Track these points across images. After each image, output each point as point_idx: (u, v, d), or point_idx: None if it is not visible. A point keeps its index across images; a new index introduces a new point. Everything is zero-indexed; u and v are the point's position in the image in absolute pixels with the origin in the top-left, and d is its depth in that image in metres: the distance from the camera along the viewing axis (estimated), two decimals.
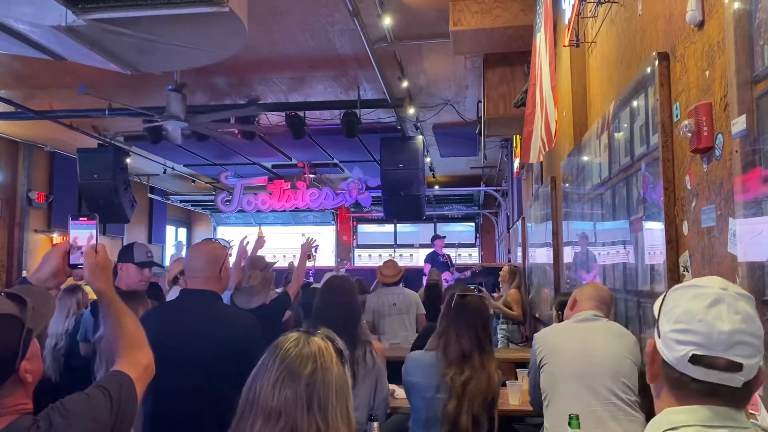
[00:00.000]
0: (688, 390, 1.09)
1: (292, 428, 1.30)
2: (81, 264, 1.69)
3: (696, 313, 1.09)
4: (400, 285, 5.69)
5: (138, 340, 1.67)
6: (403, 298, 5.54)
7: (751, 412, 1.47)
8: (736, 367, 1.06)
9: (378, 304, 5.54)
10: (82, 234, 1.72)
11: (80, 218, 1.75)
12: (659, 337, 1.15)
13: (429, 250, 16.32)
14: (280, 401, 1.31)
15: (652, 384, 1.20)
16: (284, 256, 15.30)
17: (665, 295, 1.20)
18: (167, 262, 12.62)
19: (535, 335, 2.76)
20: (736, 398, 1.09)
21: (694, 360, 1.07)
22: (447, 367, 2.67)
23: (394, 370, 3.03)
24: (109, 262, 1.72)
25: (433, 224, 16.20)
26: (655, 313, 1.21)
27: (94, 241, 1.72)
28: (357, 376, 2.77)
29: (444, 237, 10.82)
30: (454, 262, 10.40)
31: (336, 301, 2.93)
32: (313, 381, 1.34)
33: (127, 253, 3.50)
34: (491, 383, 2.66)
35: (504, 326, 6.62)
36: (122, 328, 1.65)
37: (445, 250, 10.64)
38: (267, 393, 1.33)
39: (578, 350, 2.51)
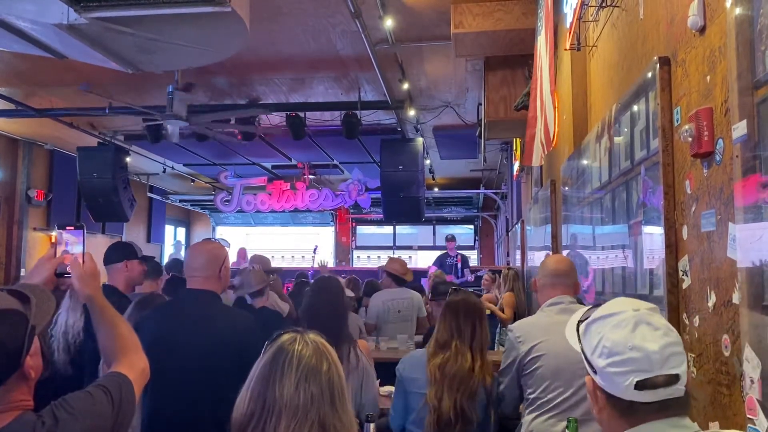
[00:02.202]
0: (641, 413, 1.16)
1: (321, 421, 1.38)
2: (68, 273, 1.71)
3: (625, 341, 1.15)
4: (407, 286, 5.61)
5: (133, 344, 1.69)
6: (407, 304, 5.37)
7: (749, 417, 1.47)
8: (675, 379, 1.13)
9: (383, 309, 5.37)
10: (70, 243, 1.74)
11: (67, 227, 1.77)
12: (596, 373, 1.20)
13: (428, 252, 16.34)
14: (307, 398, 1.39)
15: (600, 418, 1.24)
16: (282, 256, 15.37)
17: (584, 330, 1.25)
18: (165, 262, 12.60)
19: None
20: (681, 406, 1.17)
21: (639, 386, 1.13)
22: (430, 357, 2.78)
23: (391, 371, 3.05)
24: (97, 270, 1.74)
25: (432, 226, 16.21)
26: (576, 346, 1.26)
27: (81, 251, 1.73)
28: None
29: (455, 239, 10.71)
30: (468, 264, 10.21)
31: (324, 301, 3.00)
32: (330, 376, 1.43)
33: (127, 250, 3.45)
34: (469, 368, 2.71)
35: (498, 331, 6.60)
36: (117, 333, 1.67)
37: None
38: (291, 393, 1.39)
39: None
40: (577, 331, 1.26)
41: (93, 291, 1.69)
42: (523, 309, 6.59)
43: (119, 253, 3.43)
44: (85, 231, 1.78)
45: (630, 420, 1.16)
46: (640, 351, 1.14)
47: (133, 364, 1.62)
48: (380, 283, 6.18)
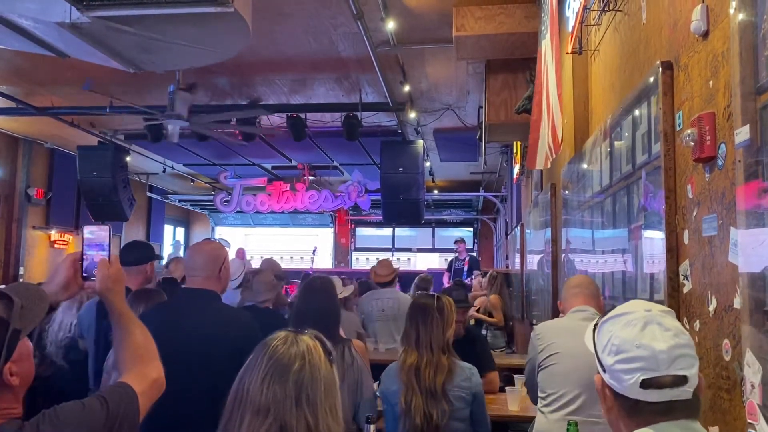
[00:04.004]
0: (646, 413, 1.15)
1: (280, 424, 1.32)
2: (94, 276, 1.62)
3: (633, 340, 1.16)
4: (393, 286, 5.65)
5: (148, 354, 1.62)
6: (392, 304, 5.42)
7: (750, 422, 1.47)
8: (682, 381, 1.13)
9: (368, 308, 5.47)
10: (95, 244, 1.66)
11: (93, 228, 1.68)
12: (605, 371, 1.21)
13: (426, 255, 16.33)
14: (268, 397, 1.34)
15: (608, 417, 1.24)
16: (281, 257, 15.37)
17: (597, 330, 1.26)
18: (164, 262, 12.61)
19: (537, 328, 2.71)
20: (690, 409, 1.16)
21: (645, 384, 1.13)
22: (401, 364, 2.86)
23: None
24: (123, 274, 1.66)
25: (431, 229, 16.20)
26: (591, 348, 1.27)
27: (107, 252, 1.64)
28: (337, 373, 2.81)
29: (464, 241, 10.70)
30: (477, 266, 10.12)
31: (315, 301, 2.97)
32: (301, 377, 1.37)
33: (149, 251, 3.42)
34: (415, 366, 2.77)
35: (485, 332, 6.57)
36: (132, 341, 1.60)
37: (442, 256, 10.57)
38: (256, 389, 1.35)
39: (585, 357, 2.44)
40: (593, 332, 1.26)
41: (115, 296, 1.61)
42: (510, 315, 6.57)
43: (142, 255, 3.38)
44: (111, 232, 1.68)
45: (636, 420, 1.16)
46: (647, 349, 1.14)
47: (144, 375, 1.55)
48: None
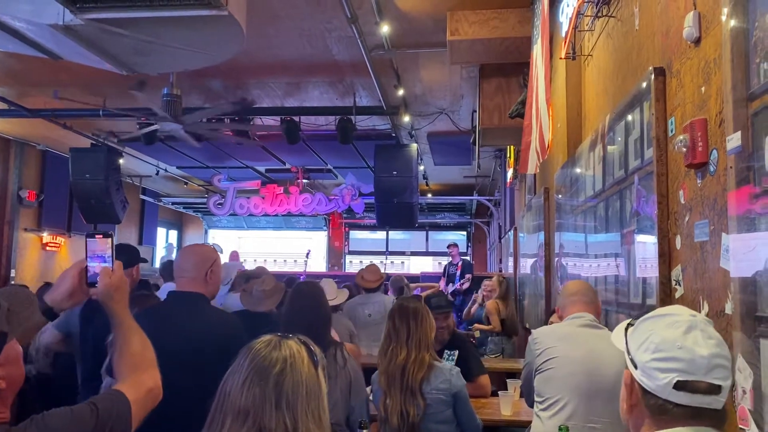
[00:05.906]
0: (672, 415, 1.13)
1: (259, 427, 1.31)
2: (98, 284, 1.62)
3: (675, 340, 1.14)
4: (379, 291, 5.66)
5: (144, 362, 1.61)
6: (377, 308, 5.42)
7: (741, 427, 1.48)
8: (716, 390, 1.11)
9: (354, 314, 5.45)
10: (98, 252, 1.65)
11: (96, 236, 1.67)
12: (636, 368, 1.18)
13: (420, 258, 16.33)
14: (248, 400, 1.32)
15: (629, 416, 1.22)
16: (275, 260, 15.34)
17: (631, 326, 1.24)
18: (157, 265, 12.56)
19: (534, 332, 2.70)
20: (718, 420, 1.13)
21: (678, 386, 1.11)
22: (379, 368, 2.95)
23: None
24: (125, 282, 1.65)
25: (425, 232, 16.22)
26: (621, 345, 1.24)
27: (109, 263, 1.64)
28: (330, 375, 2.81)
29: (457, 245, 10.70)
30: (470, 270, 10.03)
31: (304, 306, 2.97)
32: (281, 380, 1.34)
33: (135, 255, 3.38)
34: (403, 361, 2.86)
35: (490, 338, 6.49)
36: (129, 350, 1.59)
37: (436, 259, 10.56)
38: (236, 392, 1.34)
39: (584, 363, 2.46)
40: (625, 331, 1.24)
41: (116, 303, 1.61)
42: (513, 320, 6.52)
43: (128, 258, 3.32)
44: (113, 239, 1.67)
45: (658, 421, 1.14)
46: (688, 352, 1.12)
47: (139, 384, 1.54)
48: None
